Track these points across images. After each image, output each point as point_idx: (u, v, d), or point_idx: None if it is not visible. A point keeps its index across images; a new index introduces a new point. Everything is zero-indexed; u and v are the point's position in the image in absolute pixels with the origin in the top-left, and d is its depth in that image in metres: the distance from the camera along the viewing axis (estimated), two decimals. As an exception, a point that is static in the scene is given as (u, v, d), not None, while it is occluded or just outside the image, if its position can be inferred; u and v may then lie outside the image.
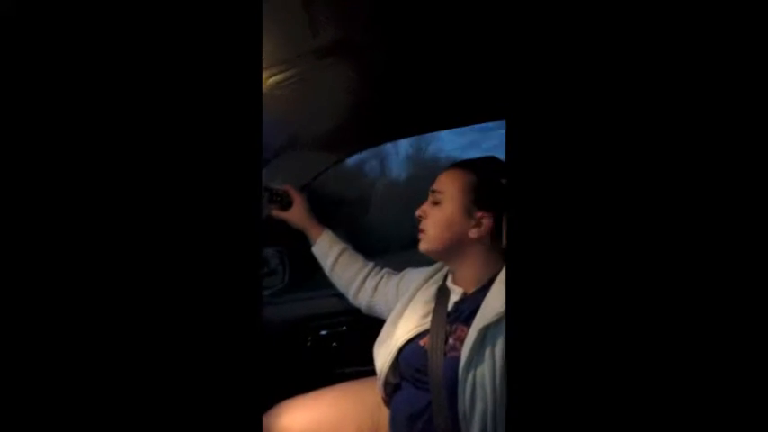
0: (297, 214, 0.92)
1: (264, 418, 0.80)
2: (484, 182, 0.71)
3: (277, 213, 0.93)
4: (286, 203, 0.93)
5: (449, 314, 0.72)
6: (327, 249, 0.92)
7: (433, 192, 0.74)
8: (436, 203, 0.73)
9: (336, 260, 0.91)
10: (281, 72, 0.68)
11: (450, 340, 0.69)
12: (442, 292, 0.76)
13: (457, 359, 0.64)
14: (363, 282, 0.90)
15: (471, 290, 0.72)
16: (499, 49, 0.67)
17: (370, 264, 0.93)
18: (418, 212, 0.75)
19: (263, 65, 0.63)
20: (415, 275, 0.85)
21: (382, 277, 0.90)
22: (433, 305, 0.75)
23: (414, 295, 0.79)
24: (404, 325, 0.76)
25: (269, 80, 0.68)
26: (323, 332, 1.12)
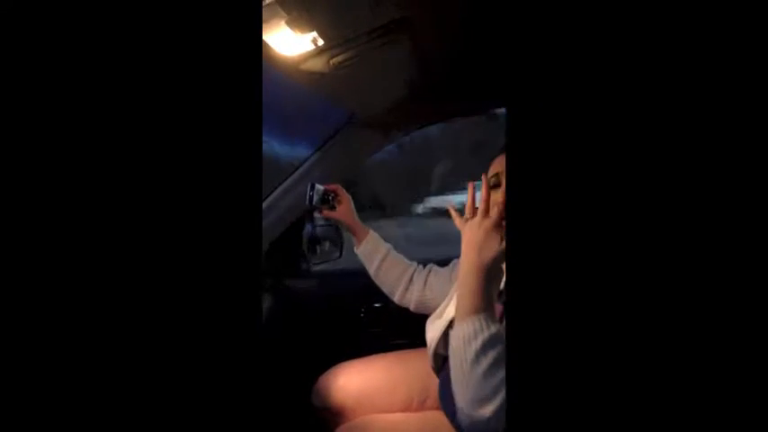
0: (345, 214, 0.94)
1: (321, 379, 0.87)
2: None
3: (326, 213, 0.94)
4: (335, 203, 0.94)
5: (500, 294, 0.72)
6: (373, 250, 0.93)
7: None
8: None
9: (383, 261, 0.93)
10: (342, 53, 0.69)
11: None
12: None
13: None
14: (411, 280, 0.92)
15: None
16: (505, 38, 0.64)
17: (414, 263, 0.95)
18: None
19: (325, 45, 0.66)
20: None
21: (430, 272, 0.92)
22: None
23: None
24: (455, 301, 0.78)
25: (331, 60, 0.71)
26: (376, 305, 1.17)
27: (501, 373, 0.50)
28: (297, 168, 1.11)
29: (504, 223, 0.57)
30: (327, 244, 1.20)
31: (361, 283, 1.18)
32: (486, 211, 0.58)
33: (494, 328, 0.53)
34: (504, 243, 0.57)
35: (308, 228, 1.18)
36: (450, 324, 0.76)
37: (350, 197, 0.95)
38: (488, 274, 0.56)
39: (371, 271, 0.94)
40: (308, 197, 0.92)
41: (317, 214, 0.95)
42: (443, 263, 0.93)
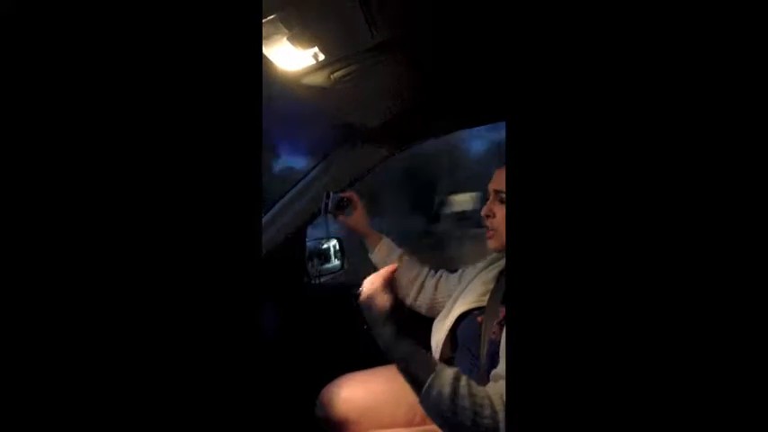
0: (359, 220, 0.96)
1: (325, 390, 0.86)
2: None
3: (341, 219, 0.96)
4: (350, 210, 0.96)
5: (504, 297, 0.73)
6: (387, 255, 0.95)
7: (498, 191, 0.72)
8: (504, 202, 0.71)
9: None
10: (342, 68, 0.71)
11: (497, 322, 0.70)
12: (503, 276, 0.77)
13: (496, 342, 0.66)
14: (423, 283, 0.93)
15: None
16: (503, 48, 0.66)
17: (426, 267, 0.96)
18: (485, 212, 0.74)
19: (326, 60, 0.67)
20: (475, 267, 0.88)
21: (441, 276, 0.93)
22: (492, 286, 0.77)
23: (475, 277, 0.82)
24: (462, 300, 0.79)
25: (331, 75, 0.72)
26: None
27: (486, 403, 0.52)
28: (298, 182, 1.12)
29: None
30: (330, 257, 1.21)
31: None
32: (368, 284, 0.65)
33: (446, 375, 0.55)
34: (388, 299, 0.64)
35: (310, 241, 1.18)
36: (458, 323, 0.78)
37: (363, 204, 0.97)
38: (393, 334, 0.61)
39: None
40: (323, 204, 0.95)
41: (330, 220, 0.97)
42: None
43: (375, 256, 0.96)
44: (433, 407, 0.55)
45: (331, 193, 0.95)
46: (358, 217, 0.96)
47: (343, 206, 0.96)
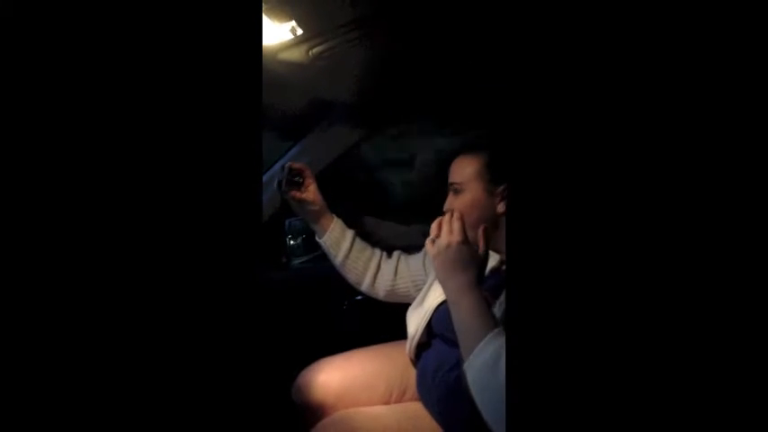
0: (313, 194, 0.86)
1: (301, 375, 0.86)
2: (493, 159, 0.73)
3: (295, 195, 0.85)
4: (303, 183, 0.86)
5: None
6: (340, 237, 0.88)
7: (452, 184, 0.75)
8: (457, 193, 0.74)
9: (351, 248, 0.89)
10: (321, 43, 0.68)
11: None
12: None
13: None
14: (379, 268, 0.90)
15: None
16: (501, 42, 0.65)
17: (377, 249, 0.92)
18: (445, 208, 0.75)
19: (306, 36, 0.65)
20: None
21: (399, 260, 0.91)
22: None
23: None
24: (437, 288, 0.78)
25: (310, 51, 0.70)
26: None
27: None
28: (276, 161, 1.10)
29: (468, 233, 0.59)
30: (309, 237, 1.19)
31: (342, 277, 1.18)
32: (450, 231, 0.59)
33: (504, 335, 0.50)
34: (480, 250, 0.58)
35: (288, 220, 1.16)
36: (434, 312, 0.76)
37: (314, 178, 0.88)
38: (478, 288, 0.56)
39: (338, 260, 0.89)
40: (276, 181, 0.85)
41: (285, 197, 0.87)
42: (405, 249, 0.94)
43: (326, 239, 0.88)
44: (487, 367, 0.49)
45: (287, 167, 0.84)
46: (313, 191, 0.86)
47: (297, 182, 0.84)
